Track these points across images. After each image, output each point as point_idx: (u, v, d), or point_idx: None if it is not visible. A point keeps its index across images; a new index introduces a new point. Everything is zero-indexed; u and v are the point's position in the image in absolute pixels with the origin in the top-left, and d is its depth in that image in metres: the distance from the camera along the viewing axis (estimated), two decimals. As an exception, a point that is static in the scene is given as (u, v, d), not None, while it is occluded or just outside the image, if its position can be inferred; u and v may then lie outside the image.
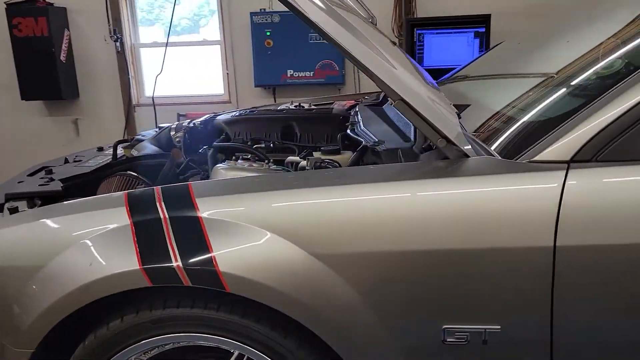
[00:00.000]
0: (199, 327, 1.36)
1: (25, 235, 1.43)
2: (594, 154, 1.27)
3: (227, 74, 5.61)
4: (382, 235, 1.28)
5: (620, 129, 1.26)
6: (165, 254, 1.31)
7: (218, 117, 2.32)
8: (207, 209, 1.34)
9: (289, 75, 5.33)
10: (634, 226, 1.20)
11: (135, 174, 1.80)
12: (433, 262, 1.27)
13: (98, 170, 1.89)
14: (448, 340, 1.29)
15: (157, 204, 1.39)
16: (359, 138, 1.77)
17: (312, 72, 5.34)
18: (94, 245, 1.36)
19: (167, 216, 1.36)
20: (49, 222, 1.44)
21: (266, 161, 1.70)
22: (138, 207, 1.40)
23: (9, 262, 1.41)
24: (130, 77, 5.69)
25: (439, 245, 1.26)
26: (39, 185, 1.93)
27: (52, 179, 1.98)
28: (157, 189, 1.47)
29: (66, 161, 2.26)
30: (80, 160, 2.31)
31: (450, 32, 4.98)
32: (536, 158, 1.30)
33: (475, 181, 1.30)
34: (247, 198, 1.37)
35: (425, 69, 5.10)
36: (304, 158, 1.71)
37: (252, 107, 2.64)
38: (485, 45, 4.97)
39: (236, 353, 1.39)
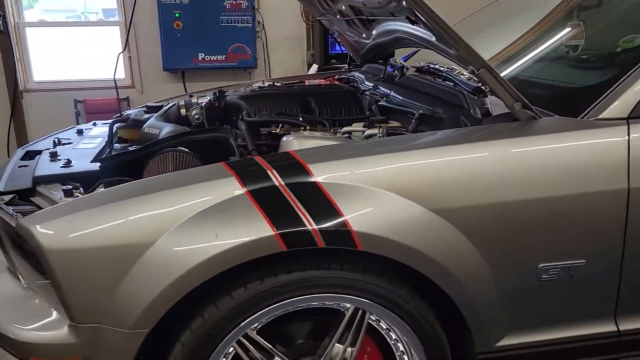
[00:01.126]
0: (322, 288, 1.40)
1: (128, 213, 1.35)
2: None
3: (130, 57, 5.32)
4: (488, 188, 1.42)
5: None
6: (297, 219, 1.33)
7: (231, 94, 2.28)
8: (321, 174, 1.39)
9: (200, 58, 5.21)
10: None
11: (187, 150, 1.74)
12: (531, 210, 1.44)
13: (140, 150, 1.80)
14: (543, 277, 1.48)
15: (269, 172, 1.40)
16: (403, 108, 1.90)
17: (224, 56, 5.27)
18: (212, 216, 1.33)
19: (283, 183, 1.37)
20: (152, 198, 1.37)
21: (332, 130, 1.75)
22: (248, 177, 1.39)
23: (112, 241, 1.32)
24: (15, 59, 5.15)
25: (535, 194, 1.43)
26: (61, 167, 1.80)
27: (69, 161, 1.84)
28: (259, 158, 1.47)
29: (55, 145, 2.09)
30: (70, 143, 2.15)
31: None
32: (600, 117, 1.53)
33: (555, 137, 1.49)
34: (358, 162, 1.43)
35: (338, 55, 5.34)
36: (367, 127, 1.78)
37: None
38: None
39: (351, 310, 1.45)
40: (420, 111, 1.79)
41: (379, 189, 1.38)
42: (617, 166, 1.46)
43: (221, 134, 1.78)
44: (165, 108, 2.26)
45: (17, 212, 1.51)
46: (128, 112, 2.42)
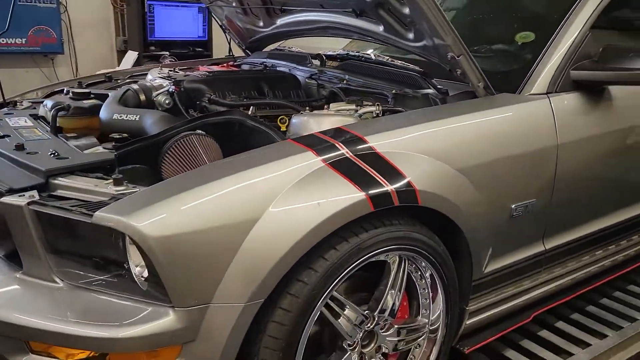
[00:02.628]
0: (389, 242, 1.62)
1: (227, 193, 1.39)
2: (554, 88, 2.09)
3: None
4: (481, 150, 1.83)
5: (561, 70, 2.11)
6: (377, 183, 1.55)
7: (184, 79, 2.23)
8: (376, 143, 1.62)
9: (-4, 41, 4.57)
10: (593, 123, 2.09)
11: (205, 133, 1.76)
12: (504, 165, 1.89)
13: (156, 136, 1.73)
14: (513, 214, 1.95)
15: (337, 145, 1.58)
16: (367, 89, 2.17)
17: (24, 39, 4.70)
18: (305, 188, 1.47)
19: (351, 153, 1.57)
20: (244, 175, 1.43)
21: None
22: (322, 150, 1.55)
23: (217, 222, 1.36)
24: None
25: (506, 153, 1.88)
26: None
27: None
28: (318, 134, 1.62)
29: None
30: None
31: (178, 6, 5.18)
32: (531, 92, 2.05)
33: (515, 107, 1.96)
34: (398, 132, 1.69)
35: (157, 41, 5.19)
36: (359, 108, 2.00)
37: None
38: (207, 20, 5.36)
39: (397, 259, 1.71)
40: (394, 91, 2.10)
41: (419, 154, 1.67)
42: (550, 128, 2.01)
43: (235, 116, 1.83)
44: (117, 94, 2.14)
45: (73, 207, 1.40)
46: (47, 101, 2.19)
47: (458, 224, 1.77)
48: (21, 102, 2.49)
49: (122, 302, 1.43)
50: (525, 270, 2.14)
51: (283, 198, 1.43)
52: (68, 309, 1.43)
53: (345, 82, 2.29)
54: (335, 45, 3.11)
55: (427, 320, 1.86)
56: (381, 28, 2.24)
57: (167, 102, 2.09)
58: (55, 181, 1.54)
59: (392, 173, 1.59)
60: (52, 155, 1.67)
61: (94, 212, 1.36)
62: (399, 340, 1.78)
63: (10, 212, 1.45)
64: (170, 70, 2.75)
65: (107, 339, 1.36)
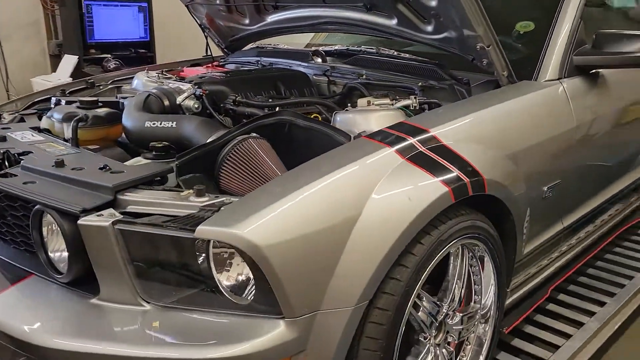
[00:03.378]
0: (460, 232, 1.64)
1: (321, 196, 1.36)
2: (562, 73, 2.21)
3: None
4: (526, 133, 1.90)
5: (566, 57, 2.23)
6: (453, 175, 1.56)
7: (202, 81, 2.11)
8: (442, 136, 1.64)
9: None
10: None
11: (258, 135, 1.69)
12: (543, 147, 1.97)
13: (216, 141, 1.64)
14: (544, 195, 2.04)
15: (410, 140, 1.58)
16: (389, 83, 2.18)
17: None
18: (393, 183, 1.46)
19: (424, 147, 1.58)
20: (333, 177, 1.39)
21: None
22: (398, 145, 1.54)
23: (319, 226, 1.33)
24: None
25: (537, 139, 1.96)
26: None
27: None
28: (388, 129, 1.61)
29: None
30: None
31: (117, 5, 4.91)
32: (546, 79, 2.15)
33: (540, 93, 2.04)
34: (455, 123, 1.72)
35: (98, 43, 4.88)
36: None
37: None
38: (149, 20, 5.12)
39: (460, 250, 1.74)
40: (420, 84, 2.12)
41: (477, 143, 1.71)
42: (569, 111, 2.12)
43: (285, 117, 1.76)
44: (137, 100, 2.00)
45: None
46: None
47: (510, 209, 1.83)
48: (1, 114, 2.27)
49: (219, 320, 1.35)
50: (548, 249, 2.25)
51: (377, 195, 1.42)
52: (162, 332, 1.33)
53: (364, 77, 2.28)
54: (299, 40, 3.11)
55: (479, 305, 1.91)
56: (394, 22, 2.25)
57: (196, 106, 1.99)
58: (123, 197, 1.43)
59: (463, 164, 1.62)
60: (104, 169, 1.54)
61: (191, 227, 1.27)
62: (462, 329, 1.82)
63: (91, 233, 1.33)
64: (159, 74, 2.63)
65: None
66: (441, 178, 1.53)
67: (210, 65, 2.90)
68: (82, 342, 1.30)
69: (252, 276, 1.30)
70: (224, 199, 1.39)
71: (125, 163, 1.68)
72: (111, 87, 2.71)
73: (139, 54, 5.02)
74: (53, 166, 1.59)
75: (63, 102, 2.26)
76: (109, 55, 4.68)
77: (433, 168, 1.54)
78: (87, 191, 1.45)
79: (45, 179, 1.54)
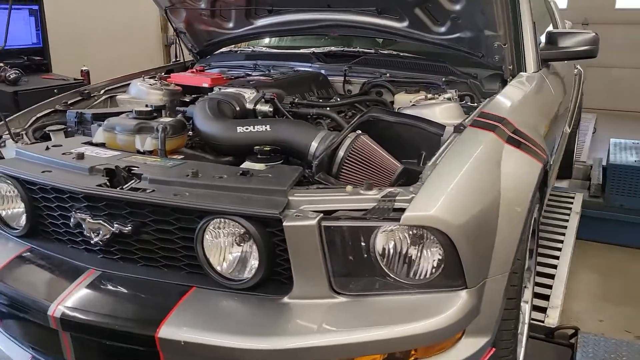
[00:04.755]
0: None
1: (480, 182, 1.57)
2: (538, 66, 2.64)
3: None
4: (547, 111, 2.28)
5: (537, 53, 2.67)
6: (540, 155, 1.87)
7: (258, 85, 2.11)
8: (512, 120, 1.93)
9: None
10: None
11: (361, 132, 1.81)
12: (553, 120, 2.37)
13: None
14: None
15: (501, 127, 1.83)
16: (412, 79, 2.40)
17: None
18: (509, 165, 1.70)
19: (510, 132, 1.85)
20: (475, 167, 1.61)
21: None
22: (499, 133, 1.79)
23: (481, 205, 1.53)
24: None
25: (553, 109, 2.37)
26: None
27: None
28: (484, 119, 1.84)
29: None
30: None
31: (6, 8, 4.41)
32: (533, 70, 2.56)
33: (541, 81, 2.45)
34: (517, 111, 2.01)
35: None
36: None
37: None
38: (40, 22, 4.68)
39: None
40: (443, 79, 2.38)
41: (531, 125, 2.03)
42: (551, 91, 2.56)
43: (376, 114, 1.89)
44: (210, 106, 1.96)
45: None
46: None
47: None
48: (21, 135, 2.07)
49: (407, 298, 1.48)
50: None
51: (504, 178, 1.65)
52: (362, 318, 1.42)
53: (388, 75, 2.48)
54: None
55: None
56: (405, 24, 2.49)
57: (270, 109, 2.03)
58: (295, 198, 1.48)
59: (535, 143, 1.92)
60: (246, 175, 1.56)
61: (390, 217, 1.40)
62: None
63: (297, 233, 1.37)
64: (155, 81, 2.57)
65: (420, 335, 1.41)
66: (534, 157, 1.81)
67: (194, 70, 2.86)
68: (302, 339, 1.36)
69: (439, 255, 1.45)
70: (391, 190, 1.51)
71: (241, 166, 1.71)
72: (105, 97, 2.56)
73: (33, 61, 4.56)
74: (188, 176, 1.56)
75: (88, 115, 2.13)
76: (1, 64, 4.20)
77: (524, 148, 1.82)
78: (256, 196, 1.47)
79: (188, 190, 1.51)
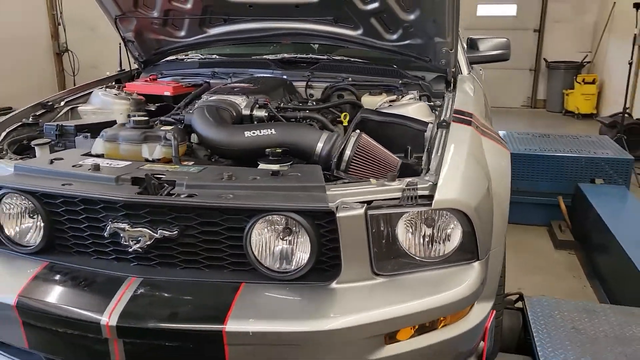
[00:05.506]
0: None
1: (474, 169, 1.83)
2: (468, 70, 3.00)
3: None
4: (485, 103, 2.62)
5: (466, 59, 3.04)
6: (502, 143, 2.16)
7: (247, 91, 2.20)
8: (474, 114, 2.23)
9: None
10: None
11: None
12: (488, 110, 2.73)
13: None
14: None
15: (472, 120, 2.12)
16: (374, 82, 2.62)
17: None
18: (489, 153, 1.99)
19: (478, 124, 2.15)
20: (472, 154, 1.87)
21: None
22: (474, 125, 2.07)
23: (483, 188, 1.80)
24: None
25: (484, 101, 2.73)
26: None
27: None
28: (460, 115, 2.11)
29: None
30: None
31: None
32: (466, 73, 2.91)
33: (474, 79, 2.79)
34: (471, 106, 2.31)
35: None
36: None
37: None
38: None
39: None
40: (400, 81, 2.63)
41: (483, 117, 2.35)
42: (479, 86, 2.92)
43: (367, 114, 2.10)
44: (210, 113, 2.02)
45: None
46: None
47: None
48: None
49: (431, 273, 1.69)
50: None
51: (490, 165, 1.92)
52: (402, 294, 1.61)
53: (350, 79, 2.67)
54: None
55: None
56: (359, 32, 2.70)
57: (265, 114, 2.13)
58: (333, 192, 1.63)
59: (495, 133, 2.23)
60: (276, 175, 1.69)
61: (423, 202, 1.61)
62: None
63: (348, 223, 1.52)
64: (118, 90, 2.58)
65: (450, 304, 1.63)
66: (502, 145, 2.11)
67: (147, 79, 2.85)
68: (357, 317, 1.52)
69: (459, 233, 1.67)
70: (410, 180, 1.71)
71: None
72: (66, 108, 2.49)
73: None
74: (223, 179, 1.65)
75: (71, 127, 2.11)
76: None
77: (492, 138, 2.11)
78: (299, 193, 1.60)
79: (231, 192, 1.60)
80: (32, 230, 1.75)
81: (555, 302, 2.68)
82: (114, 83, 2.84)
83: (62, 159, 1.84)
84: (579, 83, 8.80)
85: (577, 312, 2.61)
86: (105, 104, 2.49)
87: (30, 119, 2.25)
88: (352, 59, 2.88)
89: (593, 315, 2.59)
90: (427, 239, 1.69)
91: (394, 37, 2.68)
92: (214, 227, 1.59)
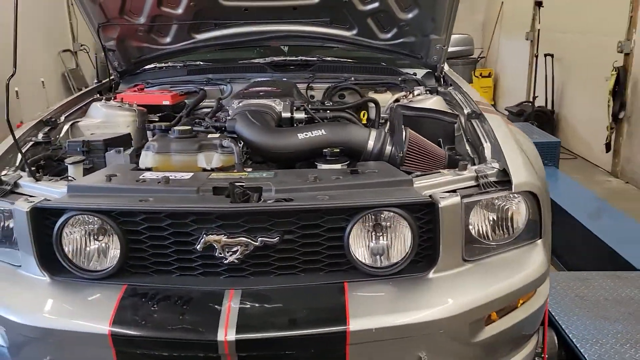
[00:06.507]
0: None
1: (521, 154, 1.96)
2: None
3: None
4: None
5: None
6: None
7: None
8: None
9: None
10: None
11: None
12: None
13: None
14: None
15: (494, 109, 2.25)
16: (378, 81, 2.69)
17: None
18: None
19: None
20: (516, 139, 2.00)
21: None
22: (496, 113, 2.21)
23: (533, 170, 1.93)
24: None
25: None
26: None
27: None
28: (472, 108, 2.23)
29: None
30: None
31: None
32: (445, 70, 3.06)
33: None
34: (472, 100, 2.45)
35: None
36: None
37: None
38: None
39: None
40: (400, 78, 2.71)
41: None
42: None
43: (402, 111, 2.15)
44: (257, 119, 1.97)
45: None
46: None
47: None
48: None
49: (505, 255, 1.78)
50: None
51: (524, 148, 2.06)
52: (490, 279, 1.68)
53: (352, 79, 2.71)
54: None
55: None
56: (354, 32, 2.76)
57: (305, 117, 2.12)
58: (417, 185, 1.67)
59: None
60: (354, 174, 1.71)
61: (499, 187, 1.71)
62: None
63: (448, 211, 1.58)
64: (118, 102, 2.45)
65: (530, 283, 1.73)
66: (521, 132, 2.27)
67: (137, 89, 2.71)
68: (466, 303, 1.59)
69: (529, 213, 1.78)
70: (477, 168, 1.79)
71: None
72: (67, 124, 2.31)
73: None
74: (309, 181, 1.64)
75: (99, 143, 1.98)
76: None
77: (513, 125, 2.26)
78: (385, 189, 1.63)
79: (326, 193, 1.59)
80: (98, 254, 1.62)
81: (553, 274, 2.90)
82: (98, 95, 2.67)
83: (116, 175, 1.72)
84: (477, 77, 9.45)
85: (572, 281, 2.85)
86: (109, 117, 2.34)
87: (41, 137, 2.06)
88: (342, 59, 2.93)
89: (587, 283, 2.84)
90: (498, 222, 1.78)
91: (388, 35, 2.76)
92: (314, 229, 1.57)
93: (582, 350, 2.32)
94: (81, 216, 1.58)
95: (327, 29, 2.75)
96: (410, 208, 1.59)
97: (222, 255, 1.55)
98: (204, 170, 1.83)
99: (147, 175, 1.70)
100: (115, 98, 2.57)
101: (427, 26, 2.65)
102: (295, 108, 2.17)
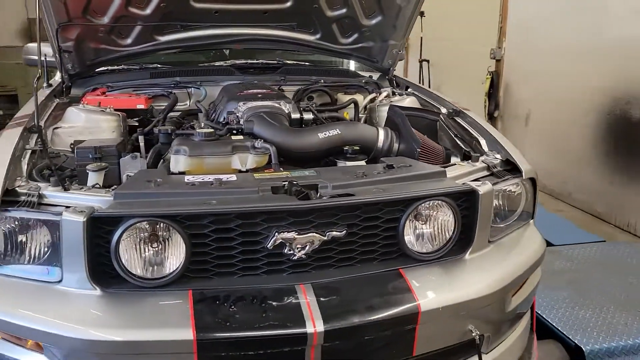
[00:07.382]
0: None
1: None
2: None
3: None
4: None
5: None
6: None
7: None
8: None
9: None
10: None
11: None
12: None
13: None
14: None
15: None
16: (342, 83, 2.79)
17: None
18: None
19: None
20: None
21: None
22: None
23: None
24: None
25: None
26: None
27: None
28: (450, 103, 2.45)
29: None
30: None
31: None
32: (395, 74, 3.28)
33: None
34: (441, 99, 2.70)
35: None
36: None
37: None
38: None
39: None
40: (364, 80, 2.86)
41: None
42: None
43: (394, 111, 2.28)
44: (274, 119, 1.98)
45: None
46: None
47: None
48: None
49: (511, 235, 2.01)
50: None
51: None
52: (513, 255, 1.91)
53: (322, 82, 2.79)
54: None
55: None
56: (317, 36, 2.86)
57: (312, 117, 2.17)
58: (450, 176, 1.84)
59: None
60: (393, 167, 1.82)
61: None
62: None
63: (484, 199, 1.76)
64: (96, 107, 2.34)
65: (540, 258, 1.99)
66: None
67: (100, 92, 2.55)
68: (507, 276, 1.79)
69: (529, 196, 2.03)
70: (484, 158, 2.01)
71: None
72: (50, 130, 2.13)
73: None
74: (358, 177, 1.73)
75: (112, 149, 1.90)
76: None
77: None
78: (422, 181, 1.77)
79: (378, 186, 1.69)
80: (150, 261, 1.56)
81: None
82: (57, 99, 2.49)
83: (160, 179, 1.66)
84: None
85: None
86: (91, 122, 2.20)
87: (37, 146, 1.90)
88: (301, 62, 3.02)
89: (555, 256, 3.26)
90: (502, 206, 2.00)
91: (349, 40, 2.91)
92: (374, 221, 1.66)
93: (544, 316, 2.66)
94: (139, 224, 1.52)
95: (291, 33, 2.82)
96: (454, 196, 1.74)
97: (291, 252, 1.59)
98: (240, 171, 1.83)
99: (192, 178, 1.67)
100: (82, 102, 2.41)
101: (388, 32, 2.83)
102: (303, 109, 2.23)
